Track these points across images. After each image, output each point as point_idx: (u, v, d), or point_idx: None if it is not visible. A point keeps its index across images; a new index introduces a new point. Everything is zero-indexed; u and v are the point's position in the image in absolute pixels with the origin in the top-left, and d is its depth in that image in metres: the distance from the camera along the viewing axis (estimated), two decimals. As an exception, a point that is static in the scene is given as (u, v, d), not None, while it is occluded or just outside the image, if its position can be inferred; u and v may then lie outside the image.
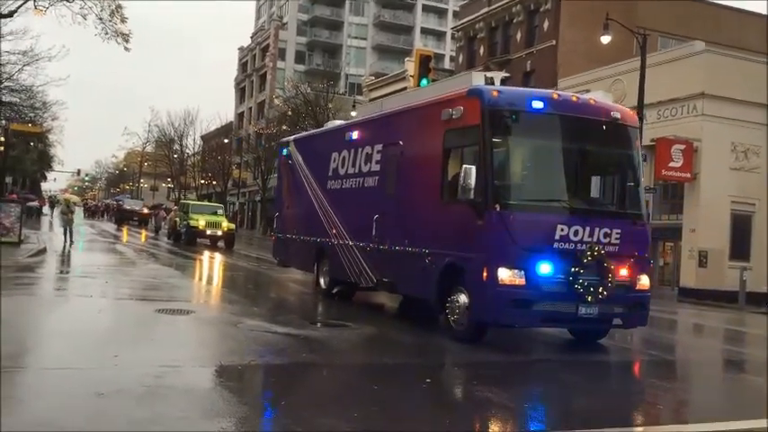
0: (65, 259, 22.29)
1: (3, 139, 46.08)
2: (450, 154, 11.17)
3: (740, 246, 26.45)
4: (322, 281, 15.78)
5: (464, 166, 10.17)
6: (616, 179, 11.39)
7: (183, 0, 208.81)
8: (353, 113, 33.07)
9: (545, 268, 9.89)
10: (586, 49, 32.32)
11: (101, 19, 26.81)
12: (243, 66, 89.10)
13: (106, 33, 27.03)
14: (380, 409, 6.74)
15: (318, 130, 22.26)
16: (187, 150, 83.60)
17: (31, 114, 46.79)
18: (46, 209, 67.63)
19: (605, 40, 25.26)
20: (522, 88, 14.51)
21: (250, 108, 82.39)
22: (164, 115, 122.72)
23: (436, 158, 11.34)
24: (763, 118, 26.36)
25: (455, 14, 62.18)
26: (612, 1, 28.82)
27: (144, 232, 46.56)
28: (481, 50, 42.06)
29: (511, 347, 11.12)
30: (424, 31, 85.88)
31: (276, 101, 63.03)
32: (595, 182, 11.32)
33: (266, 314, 12.68)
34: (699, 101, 25.95)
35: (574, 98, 10.96)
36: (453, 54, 56.72)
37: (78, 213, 48.11)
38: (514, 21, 39.26)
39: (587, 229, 10.08)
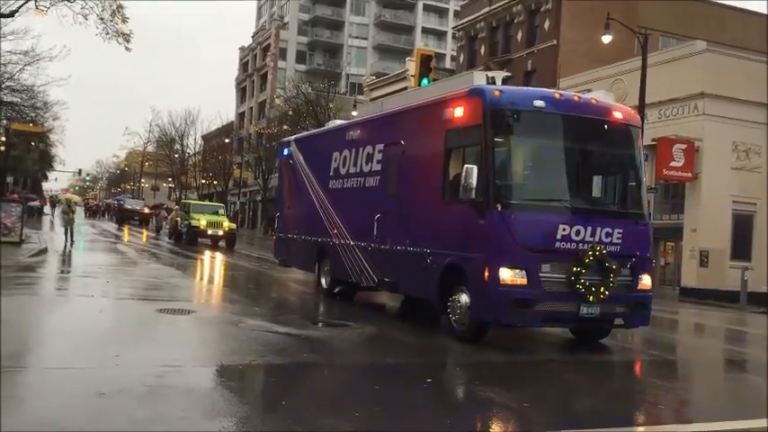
0: (66, 259, 22.30)
1: (4, 138, 46.14)
2: (451, 153, 11.16)
3: (741, 246, 26.42)
4: (323, 281, 15.78)
5: (466, 165, 10.16)
6: (618, 179, 11.37)
7: (183, 0, 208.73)
8: (354, 113, 33.11)
9: (547, 268, 9.89)
10: (587, 48, 32.31)
11: (102, 19, 26.83)
12: (244, 65, 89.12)
13: (107, 33, 27.05)
14: (382, 409, 6.74)
15: (319, 129, 22.25)
16: (188, 150, 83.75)
17: (33, 114, 46.80)
18: (47, 208, 67.75)
19: (606, 39, 25.25)
20: (523, 88, 14.49)
21: (251, 108, 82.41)
22: (165, 115, 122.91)
23: (438, 158, 11.33)
24: (764, 117, 26.31)
25: (456, 14, 62.13)
26: (613, 1, 28.77)
27: (145, 232, 46.56)
28: (482, 50, 42.06)
29: (512, 347, 11.11)
30: (425, 31, 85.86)
31: (277, 100, 63.05)
32: (597, 181, 11.32)
33: (267, 314, 12.67)
34: (700, 100, 25.92)
35: (576, 98, 10.95)
36: (454, 54, 56.74)
37: (79, 213, 48.16)
38: (515, 20, 39.26)
39: (589, 228, 10.06)
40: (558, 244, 9.94)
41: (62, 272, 18.84)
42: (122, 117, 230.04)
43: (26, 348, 8.49)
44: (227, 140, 76.05)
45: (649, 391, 8.85)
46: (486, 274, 9.89)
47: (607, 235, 10.21)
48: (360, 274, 13.77)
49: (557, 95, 10.84)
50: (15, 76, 38.46)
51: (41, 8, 26.75)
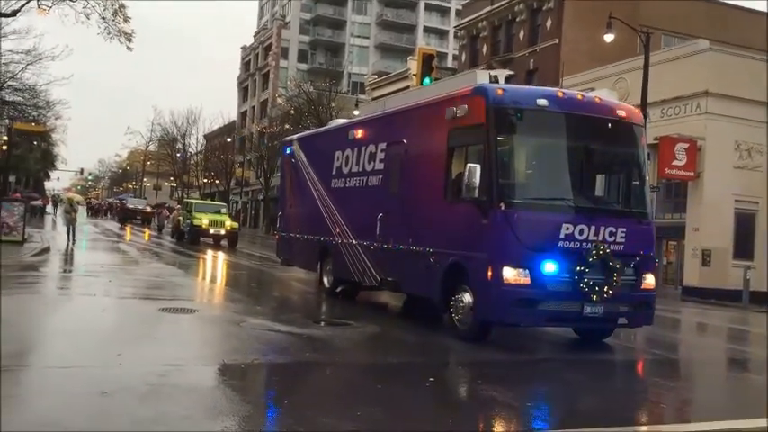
0: (68, 258, 22.31)
1: (6, 138, 46.19)
2: (454, 152, 11.13)
3: (744, 245, 26.38)
4: (325, 280, 15.76)
5: (468, 164, 10.14)
6: (621, 178, 11.32)
7: (184, 0, 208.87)
8: (356, 112, 33.11)
9: (550, 267, 9.85)
10: (589, 47, 32.27)
11: (104, 18, 26.83)
12: (246, 65, 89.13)
13: (109, 33, 27.04)
14: (384, 409, 6.72)
15: (322, 128, 22.23)
16: (190, 149, 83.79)
17: (35, 113, 46.84)
18: (49, 208, 67.84)
19: (608, 38, 25.23)
20: (527, 86, 14.47)
21: (253, 107, 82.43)
22: (167, 114, 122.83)
23: (440, 157, 11.30)
24: (766, 116, 26.24)
25: (458, 13, 62.12)
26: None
27: (147, 231, 46.57)
28: (484, 49, 42.03)
29: (515, 347, 11.09)
30: (427, 30, 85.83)
31: (279, 100, 63.07)
32: (600, 180, 11.29)
33: (269, 313, 12.66)
34: (702, 99, 25.88)
35: (579, 96, 10.92)
36: (456, 53, 56.71)
37: (81, 212, 48.18)
38: (517, 19, 39.23)
39: (592, 227, 10.03)
40: (561, 243, 9.91)
41: (64, 271, 18.85)
42: (124, 116, 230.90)
43: (28, 347, 8.49)
44: (229, 139, 76.09)
45: (651, 390, 8.82)
46: (490, 273, 9.86)
47: (611, 234, 10.18)
48: (362, 273, 13.75)
49: (560, 94, 10.82)
50: (18, 76, 38.54)
51: (43, 7, 26.77)
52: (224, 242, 34.21)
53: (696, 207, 26.09)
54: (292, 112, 54.76)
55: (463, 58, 44.87)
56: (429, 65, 20.92)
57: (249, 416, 6.18)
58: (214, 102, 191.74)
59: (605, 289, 9.96)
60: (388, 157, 13.16)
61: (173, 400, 6.40)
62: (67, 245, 25.67)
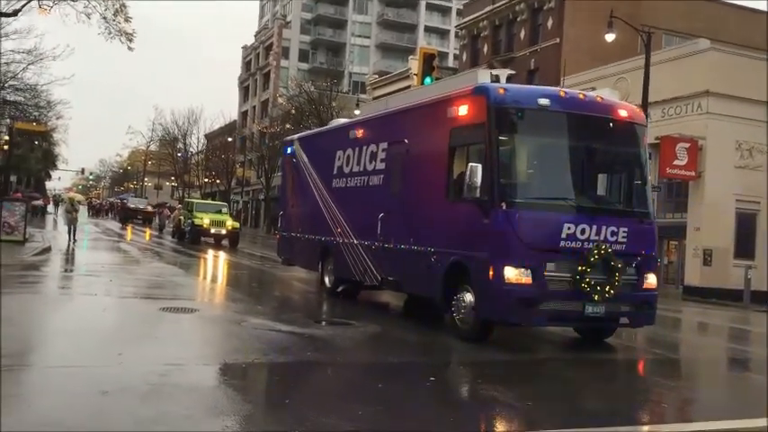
0: (69, 258, 22.31)
1: (7, 137, 46.23)
2: (455, 152, 11.12)
3: (745, 244, 26.36)
4: (326, 279, 15.76)
5: (470, 164, 10.12)
6: (623, 177, 11.27)
7: (185, 0, 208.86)
8: (357, 112, 33.09)
9: (552, 267, 9.85)
10: (590, 47, 32.22)
11: (105, 18, 26.77)
12: (247, 64, 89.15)
13: (110, 33, 26.97)
14: (385, 408, 6.71)
15: (323, 128, 22.20)
16: (191, 149, 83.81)
17: (36, 113, 46.90)
18: (50, 207, 67.85)
19: (609, 38, 25.21)
20: (528, 86, 14.44)
21: (254, 106, 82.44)
22: (168, 114, 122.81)
23: (442, 157, 11.29)
24: (767, 116, 26.24)
25: (459, 13, 62.11)
26: (616, -1, 28.72)
27: (148, 231, 46.57)
28: (485, 49, 42.02)
29: (516, 346, 11.08)
30: (428, 30, 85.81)
31: (280, 99, 63.09)
32: (602, 180, 11.26)
33: (270, 312, 12.66)
34: (703, 99, 25.86)
35: (581, 96, 10.91)
36: (457, 52, 56.67)
37: (82, 212, 48.20)
38: (518, 19, 39.22)
39: (594, 227, 10.02)
40: (563, 243, 9.90)
41: (65, 270, 18.85)
42: (125, 116, 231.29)
43: (29, 347, 8.49)
44: (229, 139, 76.12)
45: (653, 390, 8.81)
46: (491, 273, 9.85)
47: (612, 234, 10.17)
48: (363, 272, 13.74)
49: (561, 93, 10.79)
50: (19, 75, 38.56)
51: (44, 7, 26.72)
52: (225, 242, 34.21)
53: (697, 207, 26.07)
54: (293, 111, 54.81)
55: (464, 57, 44.86)
56: (430, 64, 20.91)
57: (250, 415, 6.18)
58: (215, 101, 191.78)
59: (607, 289, 9.95)
60: (390, 157, 13.15)
61: (174, 399, 6.40)
62: (68, 244, 25.67)
